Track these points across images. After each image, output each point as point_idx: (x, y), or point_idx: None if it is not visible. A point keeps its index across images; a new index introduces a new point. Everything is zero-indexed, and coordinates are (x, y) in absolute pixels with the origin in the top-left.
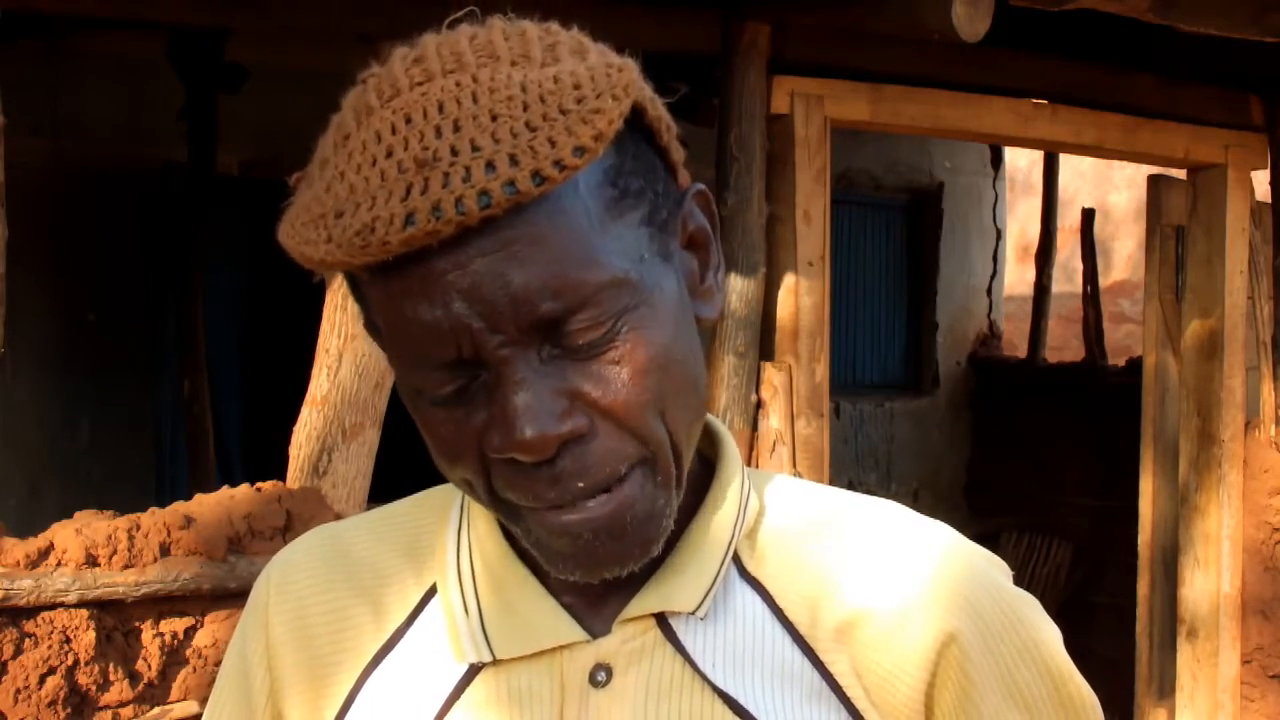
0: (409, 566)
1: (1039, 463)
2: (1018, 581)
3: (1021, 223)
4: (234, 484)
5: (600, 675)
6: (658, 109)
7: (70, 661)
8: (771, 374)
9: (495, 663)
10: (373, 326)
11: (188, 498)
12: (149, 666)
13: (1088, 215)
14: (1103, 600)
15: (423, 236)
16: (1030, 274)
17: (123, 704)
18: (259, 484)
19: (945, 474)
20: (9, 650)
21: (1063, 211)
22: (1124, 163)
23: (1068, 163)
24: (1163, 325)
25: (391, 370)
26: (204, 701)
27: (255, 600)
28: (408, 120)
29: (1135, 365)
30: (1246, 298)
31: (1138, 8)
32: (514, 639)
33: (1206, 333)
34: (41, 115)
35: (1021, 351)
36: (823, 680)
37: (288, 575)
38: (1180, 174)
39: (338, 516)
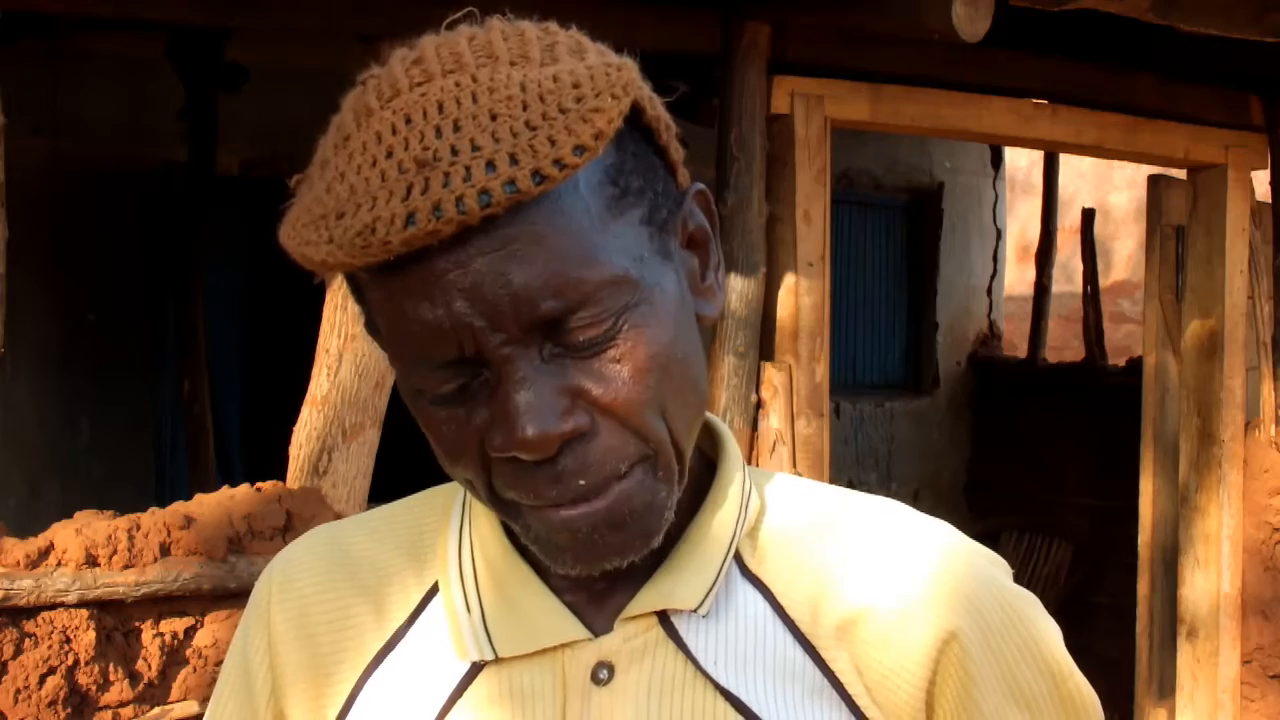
0: (411, 565)
1: (1039, 463)
2: (1018, 581)
3: (1021, 223)
4: (234, 484)
5: (602, 673)
6: (656, 108)
7: (70, 661)
8: (771, 374)
9: (497, 661)
10: (373, 327)
11: (188, 498)
12: (149, 666)
13: (1088, 215)
14: (1103, 600)
15: (424, 236)
16: (1030, 274)
17: (123, 704)
18: (259, 484)
19: (945, 474)
20: (9, 650)
21: (1063, 211)
22: (1124, 163)
23: (1068, 163)
24: (1163, 325)
25: (392, 370)
26: (204, 701)
27: (257, 599)
28: (408, 121)
29: (1135, 365)
30: (1246, 298)
31: (1138, 8)
32: (516, 637)
33: (1206, 333)
34: (41, 115)
35: (1021, 351)
36: (824, 678)
37: (290, 574)
38: (1180, 174)
39: (338, 516)
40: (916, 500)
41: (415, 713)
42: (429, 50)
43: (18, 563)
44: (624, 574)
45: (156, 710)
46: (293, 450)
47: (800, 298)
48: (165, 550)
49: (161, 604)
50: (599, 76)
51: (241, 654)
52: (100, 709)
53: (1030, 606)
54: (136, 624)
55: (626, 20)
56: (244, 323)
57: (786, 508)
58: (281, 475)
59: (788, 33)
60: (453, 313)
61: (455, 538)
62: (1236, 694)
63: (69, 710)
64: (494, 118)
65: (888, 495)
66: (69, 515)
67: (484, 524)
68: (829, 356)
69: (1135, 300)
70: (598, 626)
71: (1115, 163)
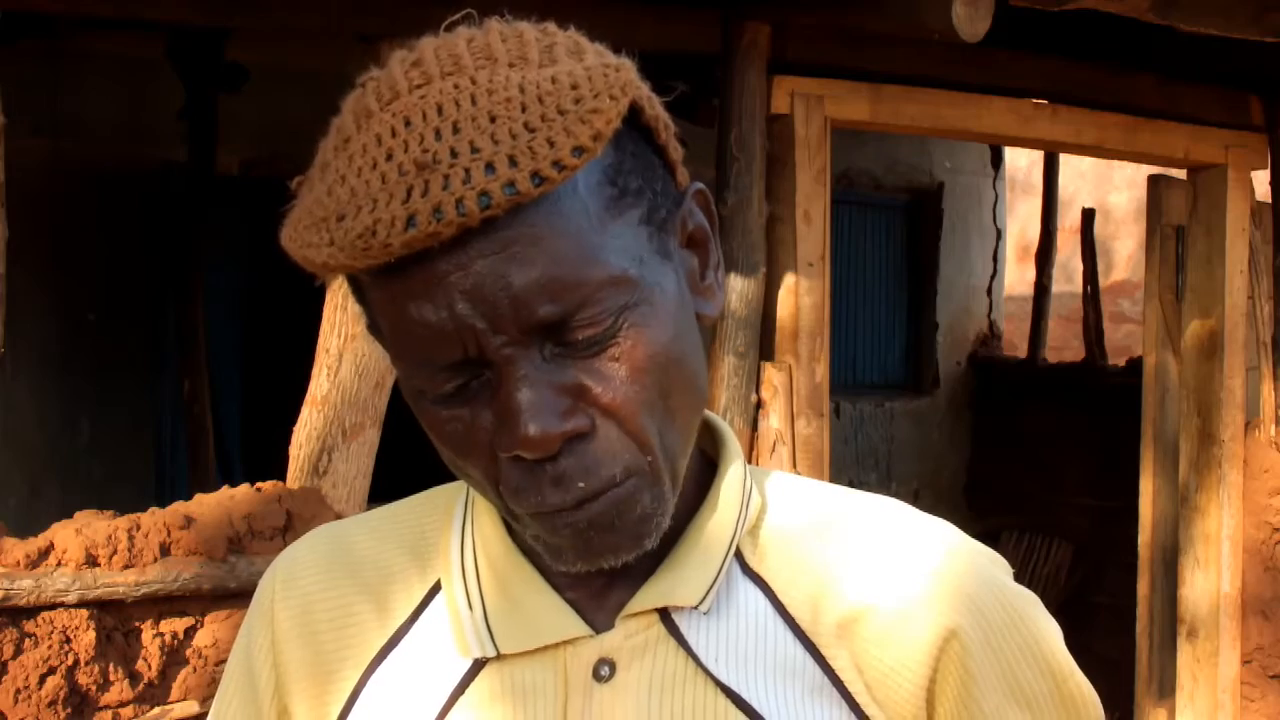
0: (413, 564)
1: (1039, 463)
2: (1018, 581)
3: (1021, 223)
4: (234, 484)
5: (604, 670)
6: (655, 108)
7: (70, 661)
8: (771, 374)
9: (499, 658)
10: (376, 328)
11: (188, 498)
12: (149, 666)
13: (1088, 215)
14: (1103, 600)
15: (424, 238)
16: (1030, 274)
17: (123, 704)
18: (259, 484)
19: (945, 474)
20: (9, 650)
21: (1063, 211)
22: (1124, 163)
23: (1068, 163)
24: (1163, 325)
25: (392, 370)
26: (204, 701)
27: (260, 598)
28: (407, 123)
29: (1135, 365)
30: (1246, 298)
31: (1138, 8)
32: (518, 634)
33: (1206, 333)
34: (41, 115)
35: (1021, 351)
36: (824, 675)
37: (293, 573)
38: (1180, 174)
39: (338, 516)
40: (916, 500)
41: (417, 709)
42: (428, 52)
43: (18, 563)
44: (625, 571)
45: (156, 710)
46: (293, 450)
47: (800, 298)
48: (165, 550)
49: (161, 604)
50: (597, 78)
51: (245, 652)
52: (100, 709)
53: (1031, 606)
54: (136, 624)
55: (626, 20)
56: (244, 323)
57: (787, 506)
58: (281, 475)
59: (788, 33)
60: (455, 314)
61: (458, 536)
62: (1236, 694)
63: (69, 710)
64: (493, 120)
65: (888, 495)
66: (69, 515)
67: (486, 523)
68: (829, 356)
69: (1135, 300)
70: (599, 623)
71: (1115, 163)
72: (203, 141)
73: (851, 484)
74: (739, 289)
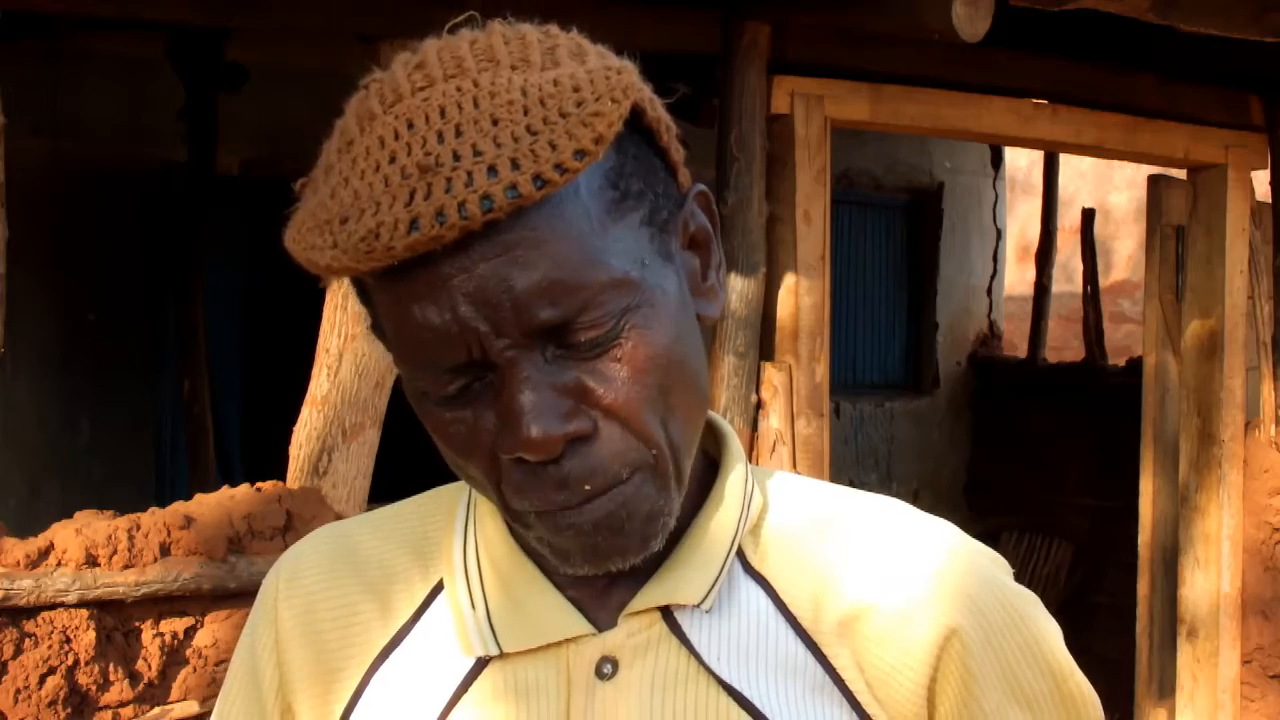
0: (415, 563)
1: (1039, 463)
2: (1018, 581)
3: (1021, 223)
4: (234, 484)
5: (606, 668)
6: (657, 110)
7: (70, 661)
8: (771, 374)
9: (502, 656)
10: (379, 329)
11: (188, 498)
12: (149, 666)
13: (1088, 215)
14: (1103, 600)
15: (427, 241)
16: (1030, 274)
17: (123, 704)
18: (259, 484)
19: (945, 474)
20: (9, 650)
21: (1063, 211)
22: (1124, 163)
23: (1068, 163)
24: (1163, 325)
25: (392, 370)
26: (204, 701)
27: (264, 597)
28: (410, 125)
29: (1135, 365)
30: (1246, 298)
31: (1138, 8)
32: (520, 633)
33: (1206, 333)
34: (41, 115)
35: (1021, 351)
36: (825, 674)
37: (296, 572)
38: (1180, 174)
39: (338, 516)
40: (916, 500)
41: (421, 708)
42: (431, 54)
43: (18, 563)
44: (627, 570)
45: (156, 710)
46: (293, 450)
47: (800, 298)
48: (165, 550)
49: (161, 604)
50: (599, 80)
51: (249, 651)
52: (100, 709)
53: (1031, 605)
54: (136, 624)
55: (626, 20)
56: (244, 323)
57: (788, 505)
58: (281, 475)
59: (788, 33)
60: (458, 317)
61: (460, 536)
62: (1236, 694)
63: (69, 710)
64: (495, 122)
65: (888, 495)
66: (69, 515)
67: (489, 522)
68: (829, 356)
69: (1135, 300)
70: (601, 622)
71: (1115, 163)
72: (203, 141)
73: (851, 484)
74: (739, 289)
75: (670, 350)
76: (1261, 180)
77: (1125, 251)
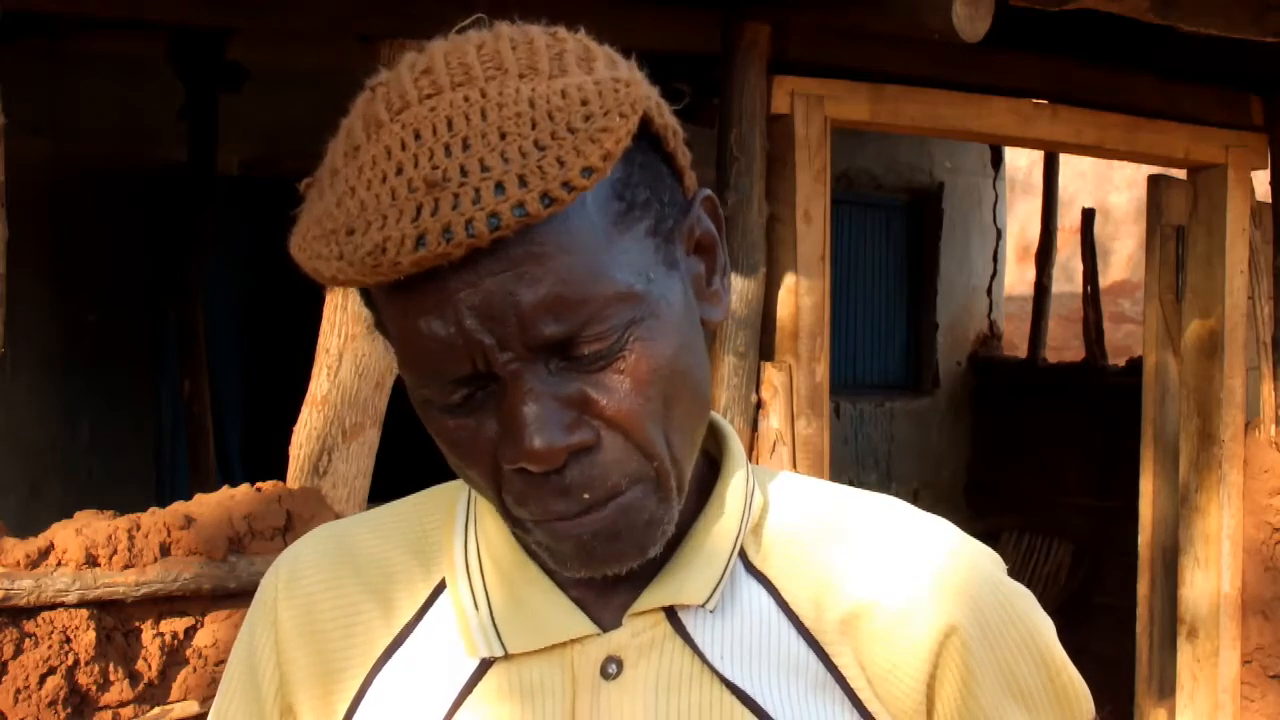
0: (416, 563)
1: (1039, 463)
2: (1018, 580)
3: (1021, 223)
4: (234, 484)
5: (611, 668)
6: (665, 116)
7: (70, 661)
8: (771, 374)
9: (506, 657)
10: (381, 327)
11: (188, 498)
12: (149, 666)
13: (1088, 215)
14: (1103, 600)
15: (433, 258)
16: (1030, 274)
17: (123, 704)
18: (259, 484)
19: (945, 474)
20: (9, 650)
21: (1063, 211)
22: (1124, 163)
23: (1068, 163)
24: (1163, 325)
25: (392, 370)
26: (204, 701)
27: (263, 597)
28: (417, 136)
29: (1135, 365)
30: (1246, 298)
31: (1138, 8)
32: (525, 633)
33: (1206, 333)
34: (41, 115)
35: (1021, 351)
36: (827, 672)
37: (296, 572)
38: (1180, 174)
39: (338, 516)
40: (916, 500)
41: (424, 709)
42: (438, 60)
43: (18, 563)
44: (631, 571)
45: (156, 710)
46: (293, 450)
47: (800, 298)
48: (165, 550)
49: (161, 604)
50: (607, 94)
51: (247, 651)
52: (100, 709)
53: (1026, 601)
54: (136, 624)
55: (626, 20)
56: (244, 322)
57: (789, 505)
58: (281, 475)
59: (788, 32)
60: (464, 331)
61: (461, 535)
62: (1236, 694)
63: (69, 710)
64: (503, 136)
65: (888, 495)
66: (69, 515)
67: (490, 522)
68: (829, 356)
69: (1135, 300)
70: (605, 622)
71: (1115, 163)
72: (203, 141)
73: (851, 484)
74: (739, 289)
75: (674, 362)
76: (1261, 180)
77: (1125, 251)
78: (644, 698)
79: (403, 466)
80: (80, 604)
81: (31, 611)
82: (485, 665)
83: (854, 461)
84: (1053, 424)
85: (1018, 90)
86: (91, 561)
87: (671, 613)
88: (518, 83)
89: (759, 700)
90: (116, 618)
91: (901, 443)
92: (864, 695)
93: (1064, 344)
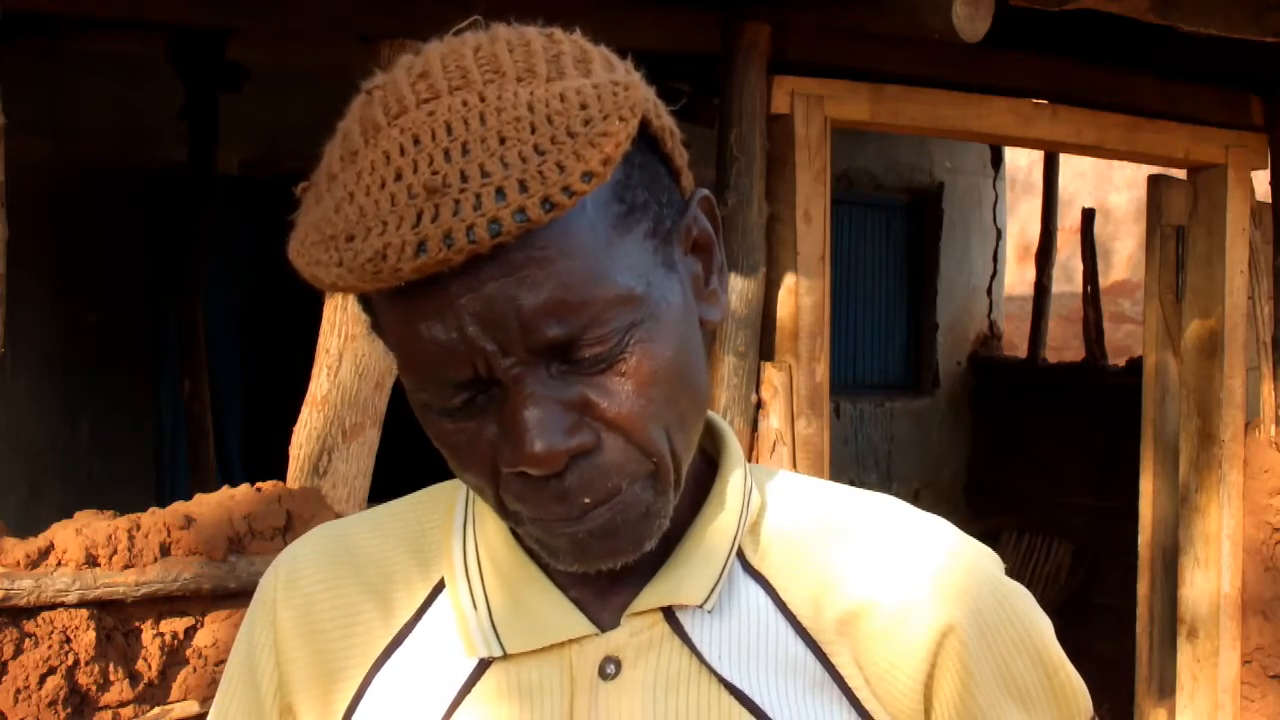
0: (415, 563)
1: (1039, 463)
2: (1018, 581)
3: (1021, 223)
4: (234, 484)
5: (609, 668)
6: (662, 117)
7: (70, 661)
8: (771, 374)
9: (505, 657)
10: (379, 329)
11: (188, 498)
12: (149, 666)
13: (1088, 215)
14: (1103, 600)
15: (434, 264)
16: (1030, 274)
17: (123, 704)
18: (259, 484)
19: (945, 474)
20: (9, 650)
21: (1063, 211)
22: (1124, 163)
23: (1068, 163)
24: (1163, 325)
25: (394, 370)
26: (204, 701)
27: (262, 597)
28: (416, 141)
29: (1135, 365)
30: (1247, 298)
31: (1138, 8)
32: (523, 633)
33: (1206, 333)
34: (41, 115)
35: (1021, 351)
36: (825, 672)
37: (295, 572)
38: (1180, 174)
39: (338, 516)
40: (916, 500)
41: (423, 708)
42: (435, 63)
43: (18, 563)
44: (629, 571)
45: (156, 710)
46: (293, 450)
47: (800, 298)
48: (165, 550)
49: (161, 604)
50: (606, 97)
51: (247, 651)
52: (100, 709)
53: (1024, 600)
54: (136, 624)
55: (626, 20)
56: (244, 322)
57: (787, 505)
58: (281, 475)
59: (788, 32)
60: (465, 336)
61: (460, 535)
62: (1236, 694)
63: (69, 710)
64: (502, 141)
65: (888, 495)
66: (69, 515)
67: (489, 522)
68: (829, 356)
69: (1135, 300)
70: (604, 622)
71: (1115, 163)
72: (203, 141)
73: (851, 484)
74: (739, 289)
75: (674, 363)
76: (1261, 180)
77: (1125, 251)
78: (642, 698)
79: (403, 466)
80: (80, 604)
81: (31, 611)
82: (483, 665)
83: (854, 461)
84: (1053, 424)
85: (1018, 90)
86: (91, 561)
87: (669, 613)
88: (516, 86)
89: (757, 700)
90: (116, 618)
91: (901, 443)
92: (862, 695)
93: (1064, 344)
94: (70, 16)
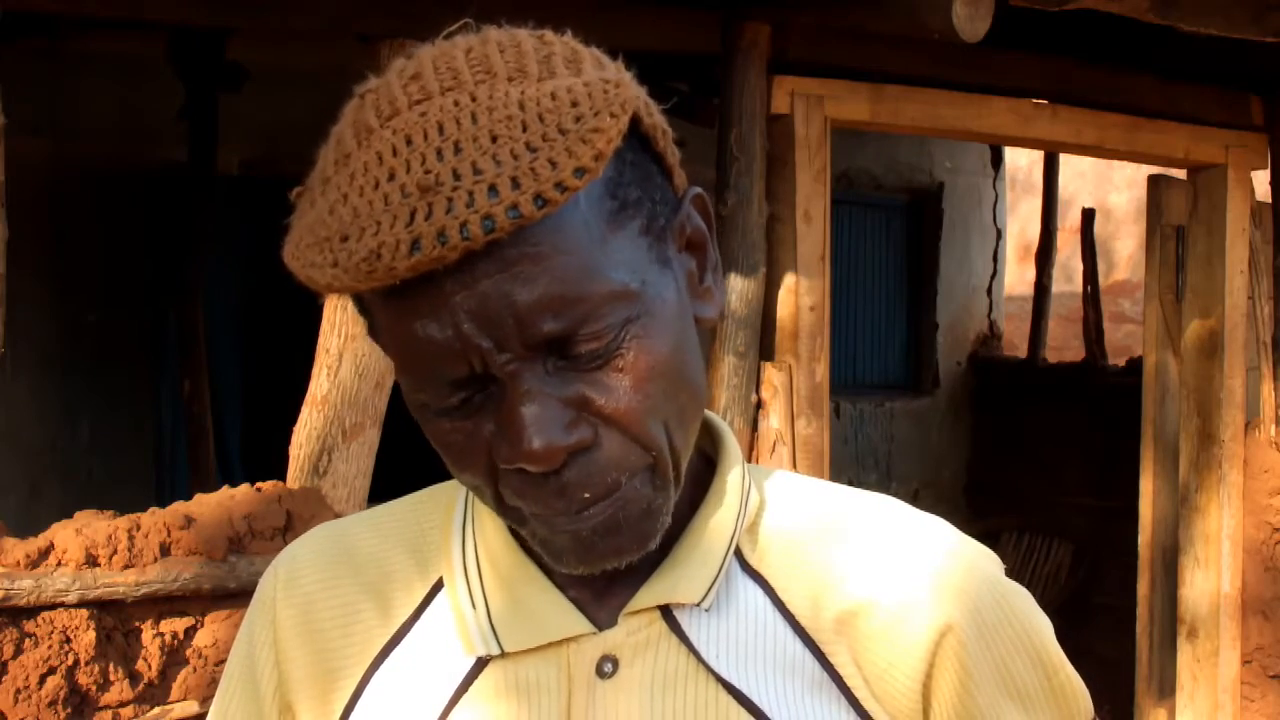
0: (414, 562)
1: (1039, 463)
2: (1019, 581)
3: (1021, 223)
4: (234, 484)
5: (607, 666)
6: (653, 115)
7: (70, 661)
8: (771, 374)
9: (503, 655)
10: (375, 332)
11: (188, 498)
12: (149, 666)
13: (1088, 215)
14: (1103, 600)
15: (429, 262)
16: (1030, 274)
17: (123, 704)
18: (259, 484)
19: (945, 474)
20: (9, 650)
21: (1063, 211)
22: (1124, 163)
23: (1068, 163)
24: (1163, 325)
25: (392, 370)
26: (204, 701)
27: (262, 596)
28: (408, 142)
29: (1135, 365)
30: (1247, 298)
31: (1138, 8)
32: (521, 632)
33: (1206, 333)
34: (41, 115)
35: (1021, 351)
36: (824, 671)
37: (295, 571)
38: (1180, 174)
39: (338, 516)
40: (916, 500)
41: (421, 707)
42: (426, 65)
43: (18, 563)
44: (627, 570)
45: (156, 710)
46: (293, 450)
47: (800, 298)
48: (165, 550)
49: (161, 604)
50: (597, 94)
51: (247, 651)
52: (100, 709)
53: (1023, 600)
54: (136, 624)
55: (626, 20)
56: (244, 322)
57: (786, 504)
58: (281, 475)
59: (788, 32)
60: (461, 334)
61: (459, 534)
62: (1236, 694)
63: (69, 710)
64: (494, 139)
65: (887, 495)
66: (69, 515)
67: (488, 521)
68: (829, 356)
69: (1135, 300)
70: (601, 621)
71: (1115, 163)
72: (203, 141)
73: (851, 484)
74: (739, 289)
75: (671, 358)
76: (1261, 180)
77: (1125, 251)
78: (639, 696)
79: (403, 466)
80: (80, 604)
81: (31, 611)
82: (481, 663)
83: (854, 461)
84: (1053, 424)
85: (1018, 90)
86: (91, 561)
87: (667, 612)
88: (507, 86)
89: (755, 699)
90: (116, 618)
91: (901, 443)
92: (861, 694)
93: (1064, 344)
94: (70, 16)
